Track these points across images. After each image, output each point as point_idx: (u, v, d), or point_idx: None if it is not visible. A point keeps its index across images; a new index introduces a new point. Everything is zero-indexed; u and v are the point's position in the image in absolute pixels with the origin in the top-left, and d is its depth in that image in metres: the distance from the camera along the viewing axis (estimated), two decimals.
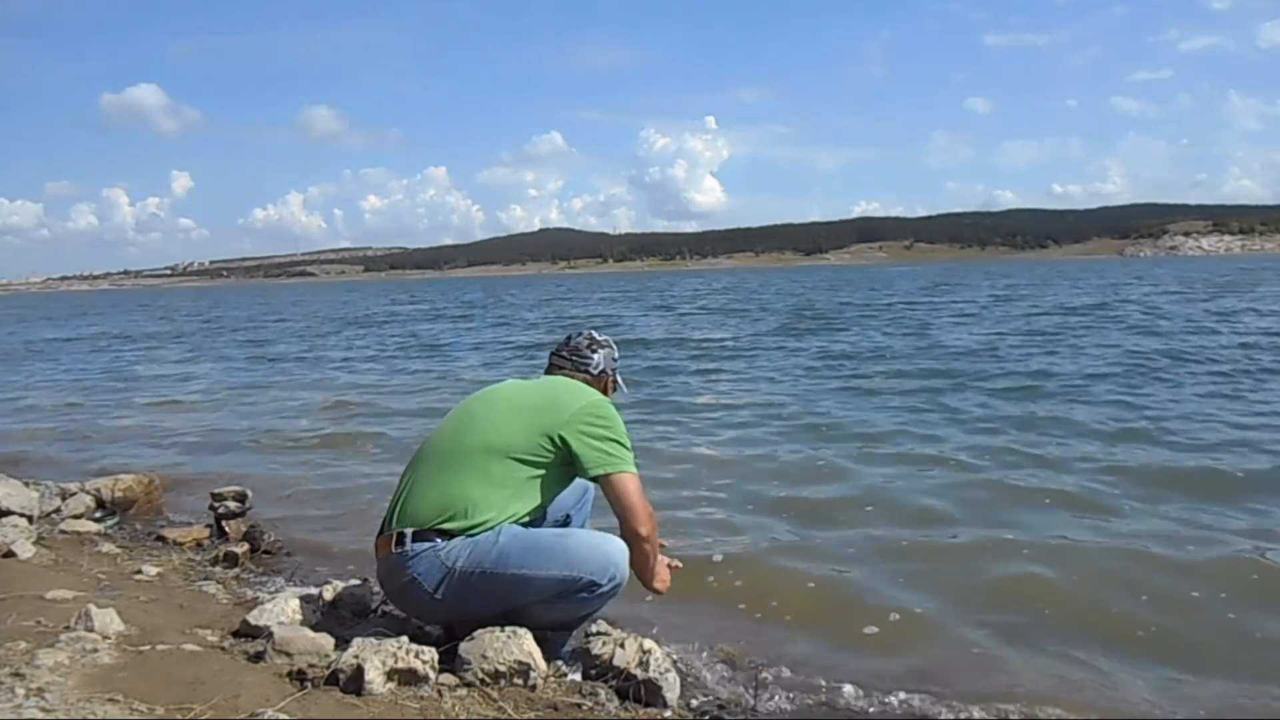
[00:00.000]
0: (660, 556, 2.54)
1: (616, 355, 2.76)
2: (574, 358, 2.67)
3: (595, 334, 2.74)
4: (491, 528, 2.28)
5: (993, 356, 10.88)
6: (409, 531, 2.30)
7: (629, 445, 2.42)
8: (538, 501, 2.38)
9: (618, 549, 2.34)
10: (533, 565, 2.26)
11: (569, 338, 2.75)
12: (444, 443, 2.45)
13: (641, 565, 2.43)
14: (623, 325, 19.53)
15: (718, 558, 3.59)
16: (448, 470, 2.36)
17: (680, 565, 2.72)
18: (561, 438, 2.35)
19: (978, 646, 2.80)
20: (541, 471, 2.36)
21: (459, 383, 10.09)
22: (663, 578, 2.55)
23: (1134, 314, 17.43)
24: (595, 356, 2.68)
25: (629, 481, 2.37)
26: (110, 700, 1.81)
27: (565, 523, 2.74)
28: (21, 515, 3.79)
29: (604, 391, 2.63)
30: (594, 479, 2.39)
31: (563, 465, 2.40)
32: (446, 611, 2.38)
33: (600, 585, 2.30)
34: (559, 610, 2.36)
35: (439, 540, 2.27)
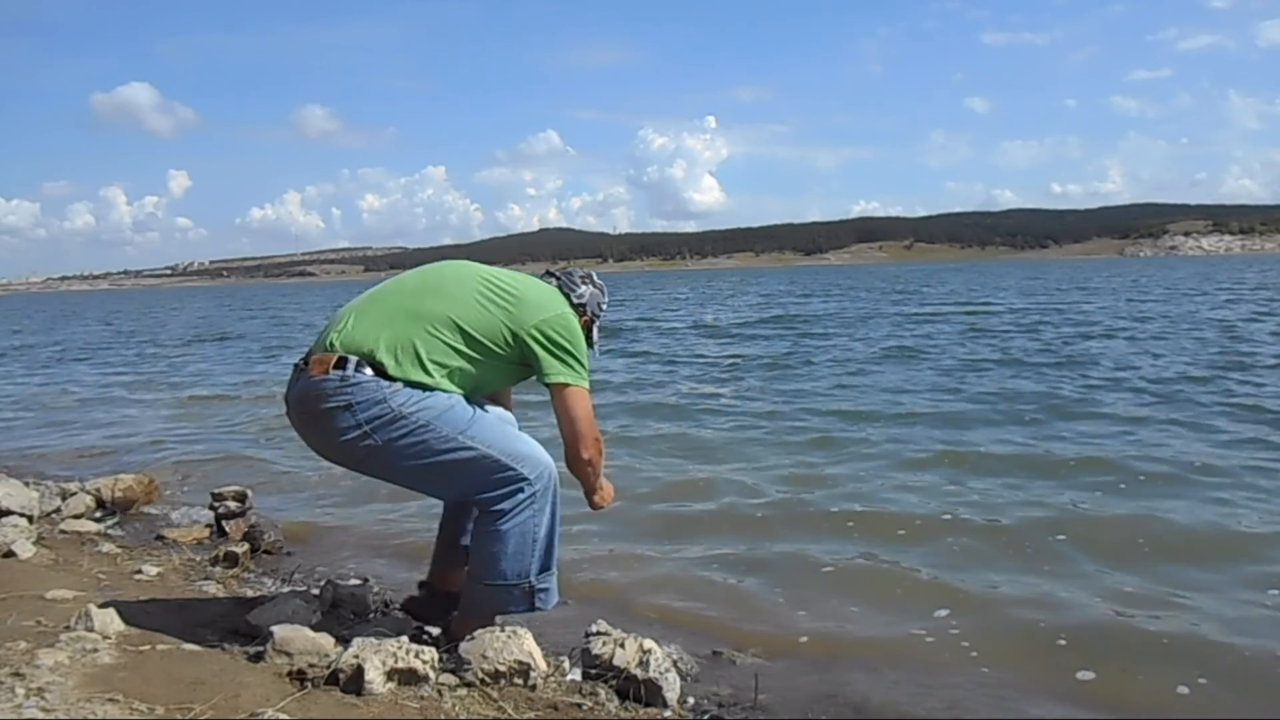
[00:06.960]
0: (604, 480, 2.50)
1: (604, 304, 2.62)
2: (562, 277, 2.56)
3: (595, 275, 2.63)
4: (432, 390, 2.20)
5: None
6: (354, 358, 2.17)
7: (588, 365, 2.35)
8: (471, 385, 2.29)
9: (551, 464, 2.33)
10: (480, 439, 2.21)
11: (567, 265, 2.69)
12: (404, 296, 2.33)
13: (585, 484, 2.45)
14: None
15: (718, 559, 3.60)
16: (401, 320, 2.24)
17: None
18: (521, 338, 2.27)
19: (996, 651, 2.81)
20: (489, 360, 2.27)
21: None
22: (604, 493, 2.51)
23: None
24: (583, 289, 2.55)
25: (580, 396, 2.31)
26: (110, 700, 1.81)
27: None
28: (21, 515, 3.79)
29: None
30: (548, 385, 2.31)
31: (511, 364, 2.32)
32: (360, 453, 2.20)
33: (530, 486, 2.26)
34: (462, 487, 2.31)
35: (385, 379, 2.16)
